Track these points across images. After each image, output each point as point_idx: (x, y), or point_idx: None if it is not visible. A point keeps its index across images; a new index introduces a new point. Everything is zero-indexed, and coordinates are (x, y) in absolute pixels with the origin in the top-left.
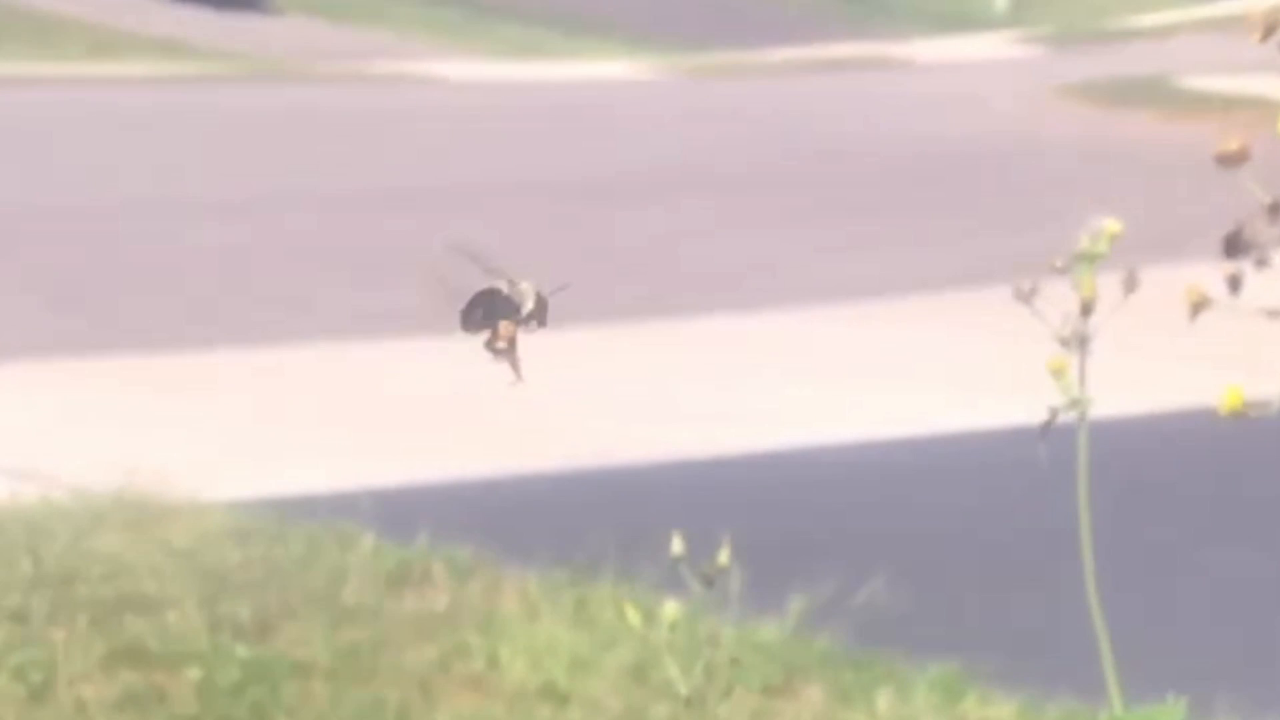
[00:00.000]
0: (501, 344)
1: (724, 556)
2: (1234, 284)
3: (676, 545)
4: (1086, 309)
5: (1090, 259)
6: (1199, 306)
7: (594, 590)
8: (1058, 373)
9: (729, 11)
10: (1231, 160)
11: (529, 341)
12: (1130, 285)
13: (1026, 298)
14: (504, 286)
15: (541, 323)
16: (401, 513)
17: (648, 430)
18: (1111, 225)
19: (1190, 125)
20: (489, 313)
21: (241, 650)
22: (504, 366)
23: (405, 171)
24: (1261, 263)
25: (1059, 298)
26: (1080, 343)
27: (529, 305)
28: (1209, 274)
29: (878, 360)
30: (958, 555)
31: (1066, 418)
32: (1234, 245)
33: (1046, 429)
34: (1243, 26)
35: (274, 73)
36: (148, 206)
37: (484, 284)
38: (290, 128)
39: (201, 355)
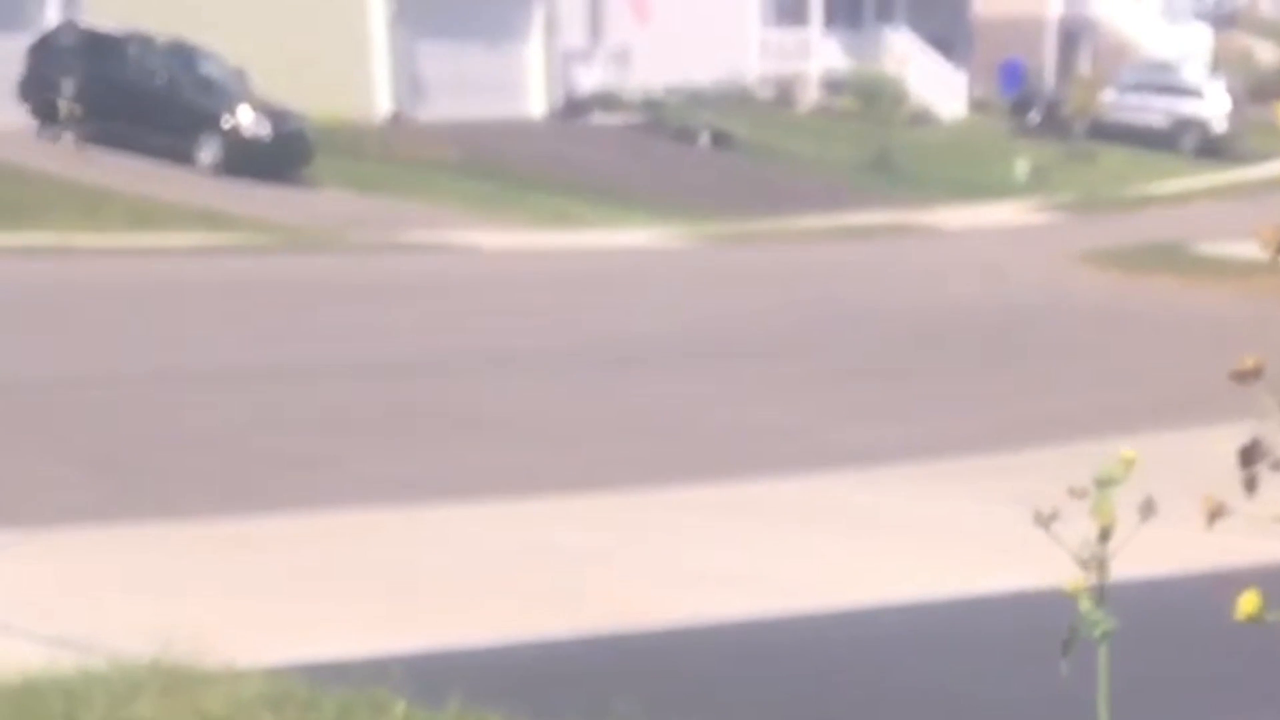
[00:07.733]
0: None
1: None
2: (1250, 485)
3: None
4: (1105, 535)
5: (1108, 485)
6: (1215, 514)
7: None
8: (1078, 594)
9: (756, 181)
10: (1247, 377)
11: (552, 508)
12: (1147, 512)
13: (1046, 523)
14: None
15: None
16: (433, 679)
17: (671, 594)
18: (1128, 454)
19: (1209, 290)
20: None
21: None
22: (533, 538)
23: (435, 338)
24: (1277, 466)
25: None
26: (1099, 566)
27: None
28: (1230, 441)
29: (896, 525)
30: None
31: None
32: (1250, 455)
33: (1070, 648)
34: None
35: (311, 243)
36: (183, 374)
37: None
38: (324, 296)
39: (234, 521)
